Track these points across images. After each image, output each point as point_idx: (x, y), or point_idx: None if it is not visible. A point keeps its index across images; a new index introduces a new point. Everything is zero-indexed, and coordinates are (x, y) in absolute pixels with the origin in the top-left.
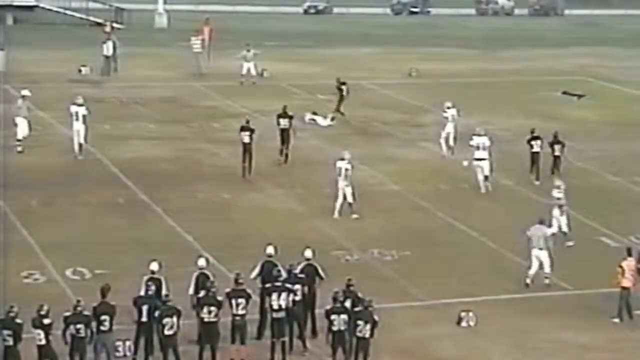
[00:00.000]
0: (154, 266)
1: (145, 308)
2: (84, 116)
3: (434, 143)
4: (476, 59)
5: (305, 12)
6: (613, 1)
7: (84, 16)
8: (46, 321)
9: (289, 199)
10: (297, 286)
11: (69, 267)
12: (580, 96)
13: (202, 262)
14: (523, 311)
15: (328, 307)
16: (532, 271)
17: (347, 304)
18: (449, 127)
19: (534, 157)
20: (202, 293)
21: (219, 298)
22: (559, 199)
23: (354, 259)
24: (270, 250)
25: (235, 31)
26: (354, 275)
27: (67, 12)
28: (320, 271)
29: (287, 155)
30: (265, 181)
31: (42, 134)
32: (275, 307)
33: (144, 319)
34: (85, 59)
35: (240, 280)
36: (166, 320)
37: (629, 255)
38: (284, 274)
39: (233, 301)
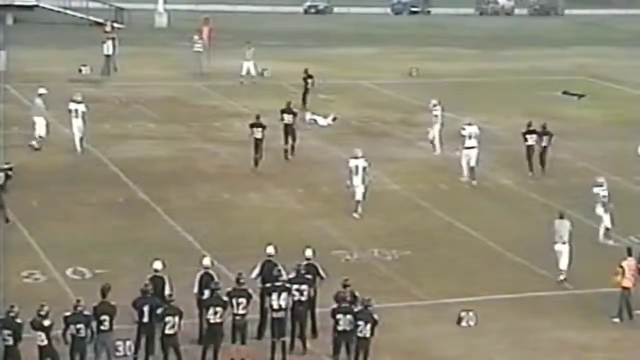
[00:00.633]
0: (158, 265)
1: (146, 308)
2: (83, 113)
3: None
4: (476, 59)
5: (306, 11)
6: (613, 1)
7: (84, 16)
8: (46, 323)
9: (289, 198)
10: (304, 286)
11: (69, 267)
12: (580, 96)
13: (206, 261)
14: (523, 311)
15: (334, 306)
16: (562, 265)
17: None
18: (438, 125)
19: (529, 150)
20: (206, 294)
21: (224, 299)
22: (604, 196)
23: (354, 258)
24: (270, 250)
25: (236, 31)
26: (354, 275)
27: (67, 11)
28: (320, 271)
29: (293, 148)
30: (266, 181)
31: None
32: (276, 306)
33: (145, 319)
34: (86, 59)
35: (242, 280)
36: (168, 319)
37: (629, 255)
38: (285, 274)
39: (234, 301)
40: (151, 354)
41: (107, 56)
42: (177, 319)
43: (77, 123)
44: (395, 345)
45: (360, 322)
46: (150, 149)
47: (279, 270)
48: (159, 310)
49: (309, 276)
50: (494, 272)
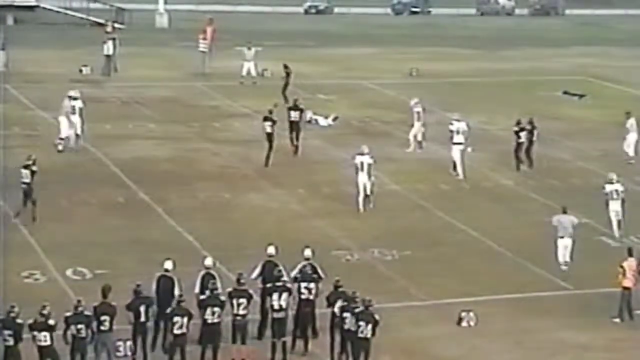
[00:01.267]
0: (169, 264)
1: (142, 308)
2: (80, 109)
3: (434, 143)
4: (477, 59)
5: (306, 12)
6: (614, 1)
7: (84, 16)
8: (51, 322)
9: (290, 198)
10: (312, 284)
11: (70, 267)
12: (581, 96)
13: (208, 261)
14: (523, 311)
15: (342, 304)
16: (567, 257)
17: (338, 304)
18: (419, 123)
19: (519, 147)
20: (205, 294)
21: (222, 298)
22: (617, 191)
23: (355, 258)
24: (271, 250)
25: (236, 31)
26: (355, 275)
27: (68, 12)
28: (319, 270)
29: (297, 147)
30: (266, 181)
31: (43, 133)
32: (276, 307)
33: (142, 319)
34: (86, 59)
35: (242, 280)
36: (176, 319)
37: (630, 255)
38: (286, 274)
39: (234, 301)
40: (152, 351)
41: (108, 56)
42: (185, 319)
43: (74, 119)
44: (395, 345)
45: (362, 323)
46: (151, 149)
47: (280, 271)
48: (168, 310)
49: (315, 275)
50: (494, 272)
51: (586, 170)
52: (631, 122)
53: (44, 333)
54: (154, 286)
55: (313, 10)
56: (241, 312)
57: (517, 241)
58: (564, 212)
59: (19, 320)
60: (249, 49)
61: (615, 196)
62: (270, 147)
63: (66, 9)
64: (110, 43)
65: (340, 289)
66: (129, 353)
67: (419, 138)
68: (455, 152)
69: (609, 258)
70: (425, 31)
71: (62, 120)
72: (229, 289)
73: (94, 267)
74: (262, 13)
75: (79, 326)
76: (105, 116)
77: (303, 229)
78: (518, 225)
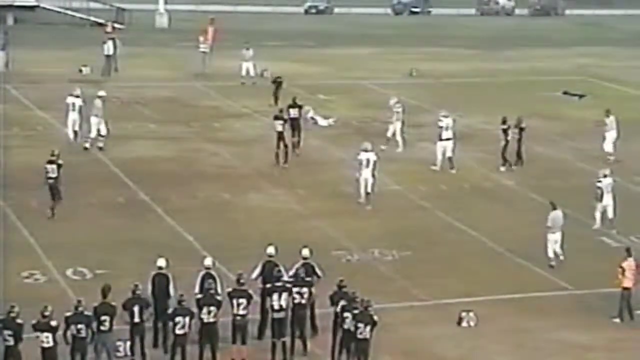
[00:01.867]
0: (161, 262)
1: (136, 309)
2: (80, 107)
3: (434, 143)
4: (477, 59)
5: (306, 12)
6: (614, 1)
7: (84, 16)
8: (54, 323)
9: (289, 198)
10: (304, 289)
11: (70, 267)
12: (581, 96)
13: (208, 261)
14: (523, 311)
15: (344, 303)
16: (551, 254)
17: (341, 304)
18: (399, 123)
19: (507, 145)
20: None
21: (219, 298)
22: (610, 185)
23: (355, 259)
24: (271, 250)
25: (236, 31)
26: (355, 275)
27: (68, 12)
28: (317, 270)
29: (298, 142)
30: (266, 181)
31: (43, 133)
32: (276, 307)
33: (136, 319)
34: (86, 59)
35: (242, 280)
36: (178, 319)
37: (629, 255)
38: (285, 274)
39: (234, 301)
40: (153, 347)
41: (108, 57)
42: (187, 319)
43: (73, 116)
44: (395, 345)
45: (360, 325)
46: (151, 149)
47: (280, 271)
48: (169, 310)
49: (308, 279)
50: (494, 272)
51: (586, 170)
52: (611, 119)
53: (46, 334)
54: (149, 285)
55: (313, 11)
56: (241, 312)
57: (517, 241)
58: (554, 208)
59: (19, 320)
60: (247, 49)
61: (609, 190)
62: (285, 145)
63: (66, 9)
64: (110, 43)
65: (344, 289)
66: (129, 353)
67: (398, 137)
68: (440, 149)
69: (609, 258)
70: (425, 31)
71: (93, 120)
72: (229, 289)
73: (94, 267)
74: (262, 13)
75: (79, 326)
76: (105, 116)
77: (303, 229)
78: (518, 225)
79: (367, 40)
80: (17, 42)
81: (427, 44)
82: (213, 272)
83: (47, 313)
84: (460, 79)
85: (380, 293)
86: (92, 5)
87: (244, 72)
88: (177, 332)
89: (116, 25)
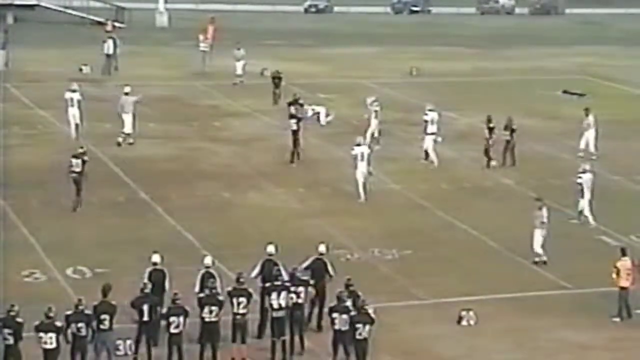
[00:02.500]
0: (156, 258)
1: (145, 307)
2: (78, 101)
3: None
4: (477, 58)
5: (306, 11)
6: (614, 0)
7: (84, 15)
8: (58, 324)
9: (289, 197)
10: (300, 288)
11: (70, 266)
12: (580, 95)
13: (207, 260)
14: (523, 310)
15: (332, 304)
16: (539, 249)
17: (348, 303)
18: (376, 121)
19: (489, 143)
20: (204, 292)
21: (220, 297)
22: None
23: (355, 257)
24: (270, 249)
25: (236, 30)
26: (355, 275)
27: (68, 11)
28: (329, 267)
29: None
30: (266, 180)
31: (43, 132)
32: (276, 306)
33: (146, 318)
34: (86, 58)
35: (242, 279)
36: (173, 318)
37: (623, 255)
38: (284, 274)
39: (234, 300)
40: (154, 345)
41: (108, 55)
42: (182, 318)
43: (72, 111)
44: (395, 345)
45: (359, 325)
46: (151, 148)
47: (279, 270)
48: (164, 310)
49: (305, 278)
50: (494, 271)
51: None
52: (590, 118)
53: (50, 334)
54: (146, 281)
55: (313, 9)
56: (241, 311)
57: (517, 241)
58: (542, 205)
59: (19, 319)
60: (238, 49)
61: (589, 185)
62: (297, 143)
63: (66, 7)
64: (110, 42)
65: (351, 288)
66: (129, 352)
67: (376, 134)
68: (428, 142)
69: (609, 257)
70: (425, 30)
71: (126, 117)
72: (229, 288)
73: (94, 266)
74: (262, 12)
75: (79, 325)
76: (105, 115)
77: (303, 228)
78: (518, 224)
79: (367, 39)
80: (17, 41)
81: (427, 43)
82: (213, 271)
83: (51, 314)
84: (460, 78)
85: (380, 292)
86: (92, 4)
87: (239, 71)
88: (172, 331)
89: (116, 24)
